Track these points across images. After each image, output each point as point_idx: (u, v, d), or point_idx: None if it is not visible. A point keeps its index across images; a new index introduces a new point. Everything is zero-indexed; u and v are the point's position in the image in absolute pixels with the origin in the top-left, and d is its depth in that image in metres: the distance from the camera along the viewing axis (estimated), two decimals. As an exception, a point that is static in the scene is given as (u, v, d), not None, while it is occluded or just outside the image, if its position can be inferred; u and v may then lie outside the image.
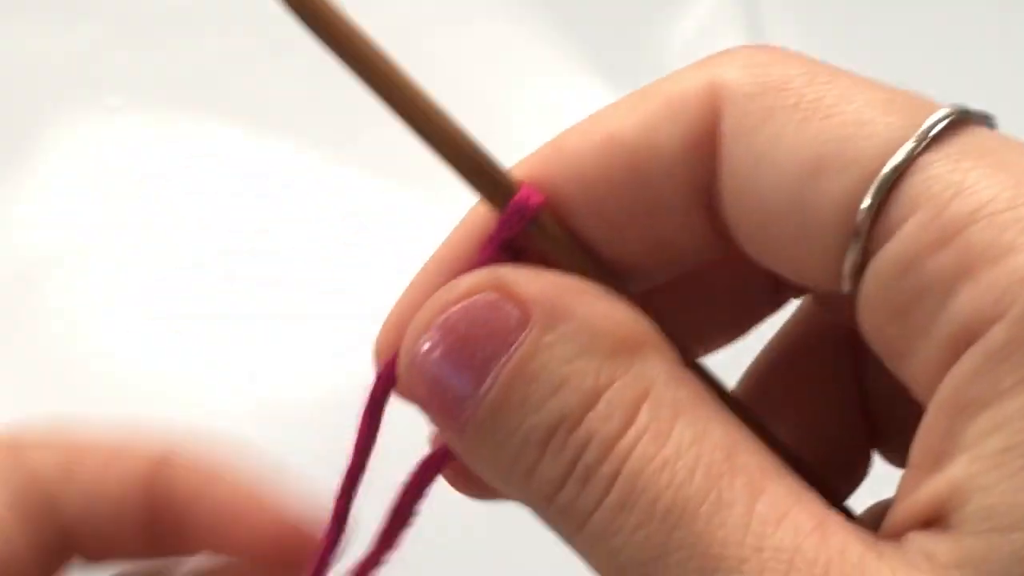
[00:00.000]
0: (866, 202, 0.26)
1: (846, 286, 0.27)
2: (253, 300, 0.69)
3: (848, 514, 0.31)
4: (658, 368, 0.28)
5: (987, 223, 0.25)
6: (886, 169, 0.26)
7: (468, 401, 0.28)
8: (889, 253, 0.26)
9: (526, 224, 0.29)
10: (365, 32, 0.29)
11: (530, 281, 0.28)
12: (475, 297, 0.28)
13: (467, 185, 0.30)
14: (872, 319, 0.27)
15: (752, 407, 0.33)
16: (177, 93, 0.75)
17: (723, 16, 0.82)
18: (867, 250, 0.26)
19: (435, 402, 0.28)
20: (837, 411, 0.33)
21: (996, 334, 0.24)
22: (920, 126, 0.26)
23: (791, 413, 0.34)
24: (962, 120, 0.27)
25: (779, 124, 0.27)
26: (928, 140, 0.26)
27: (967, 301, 0.25)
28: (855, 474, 0.34)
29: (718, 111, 0.28)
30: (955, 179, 0.26)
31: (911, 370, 0.26)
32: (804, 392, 0.34)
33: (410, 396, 0.29)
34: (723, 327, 0.34)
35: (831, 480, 0.32)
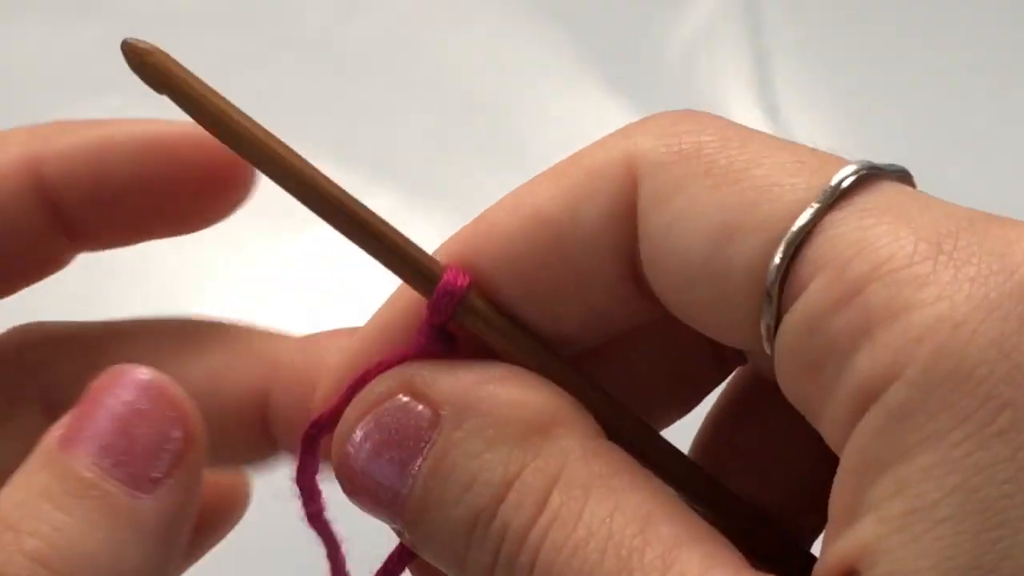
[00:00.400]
0: (773, 264, 0.26)
1: (767, 347, 0.28)
2: (253, 299, 0.69)
3: (807, 555, 0.32)
4: (570, 446, 0.28)
5: (886, 281, 0.25)
6: (792, 230, 0.26)
7: (396, 500, 0.29)
8: (797, 314, 0.26)
9: (455, 307, 0.30)
10: (281, 141, 0.30)
11: (439, 379, 0.29)
12: (388, 402, 0.29)
13: (392, 273, 0.30)
14: (786, 378, 0.27)
15: (713, 456, 0.33)
16: (177, 93, 0.75)
17: (723, 16, 0.82)
18: (780, 311, 0.27)
19: (369, 503, 0.30)
20: (800, 457, 0.33)
21: (895, 394, 0.25)
22: (827, 184, 0.26)
23: (752, 461, 0.34)
24: (871, 176, 0.27)
25: (691, 192, 0.28)
26: (834, 198, 0.26)
27: (867, 361, 0.25)
28: (823, 515, 0.34)
29: (636, 181, 0.29)
30: (857, 237, 0.26)
31: (824, 427, 0.27)
32: (765, 438, 0.34)
33: (351, 499, 0.30)
34: (671, 398, 0.34)
35: (804, 521, 0.33)
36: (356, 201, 0.30)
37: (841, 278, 0.26)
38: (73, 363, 0.35)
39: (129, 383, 0.30)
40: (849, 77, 0.81)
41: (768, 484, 0.33)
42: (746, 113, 0.77)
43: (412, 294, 0.31)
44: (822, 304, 0.26)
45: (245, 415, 0.34)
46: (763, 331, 0.27)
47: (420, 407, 0.29)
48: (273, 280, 0.71)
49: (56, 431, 0.30)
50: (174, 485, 0.30)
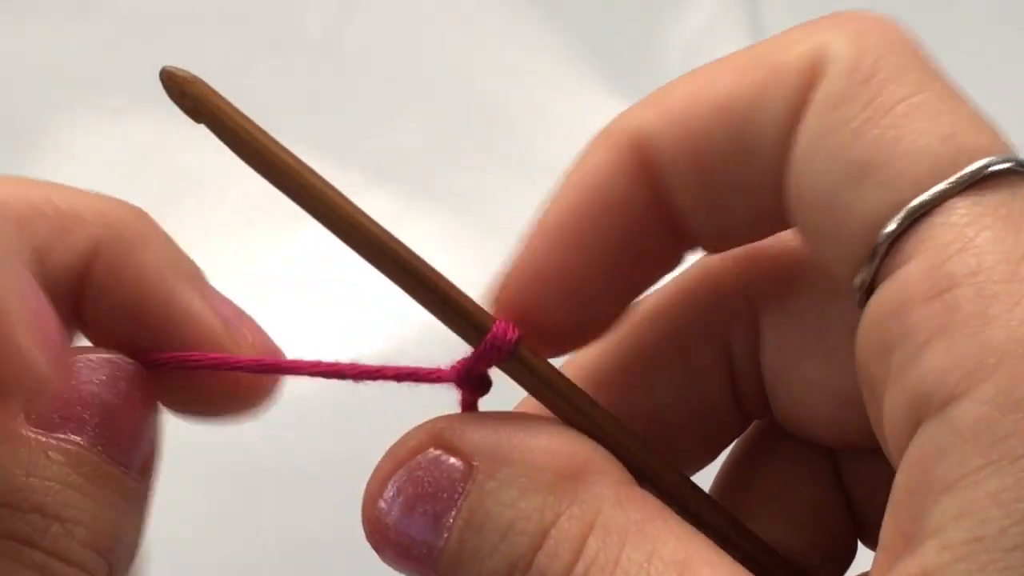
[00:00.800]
0: (888, 228, 0.26)
1: (858, 300, 0.27)
2: (254, 300, 0.69)
3: None
4: (604, 492, 0.28)
5: (980, 290, 0.25)
6: (914, 203, 0.26)
7: (431, 555, 0.29)
8: (887, 289, 0.26)
9: (503, 360, 0.30)
10: (321, 177, 0.29)
11: (470, 430, 0.29)
12: (419, 456, 0.29)
13: (441, 321, 0.30)
14: (863, 351, 0.27)
15: (733, 501, 0.33)
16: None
17: (723, 16, 0.82)
18: (878, 274, 0.27)
19: (403, 559, 0.29)
20: (819, 502, 0.33)
21: (965, 411, 0.24)
22: (966, 167, 0.26)
23: (773, 506, 0.34)
24: (1010, 172, 0.26)
25: (850, 113, 0.27)
26: (965, 186, 0.26)
27: (938, 364, 0.25)
28: (842, 561, 0.34)
29: (814, 83, 0.28)
30: (967, 234, 0.25)
31: (882, 418, 0.26)
32: (786, 486, 0.34)
33: (381, 556, 0.30)
34: (692, 449, 0.34)
35: (817, 569, 0.33)
36: (403, 245, 0.29)
37: (938, 270, 0.25)
38: None
39: (98, 367, 0.30)
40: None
41: (782, 533, 0.33)
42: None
43: (601, 159, 0.30)
44: (912, 289, 0.26)
45: (64, 295, 0.32)
46: (857, 284, 0.27)
47: (452, 460, 0.29)
48: (273, 279, 0.71)
49: (19, 410, 0.29)
50: (153, 463, 0.30)
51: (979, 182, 0.26)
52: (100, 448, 0.29)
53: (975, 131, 0.27)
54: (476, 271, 0.73)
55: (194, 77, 0.30)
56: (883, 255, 0.26)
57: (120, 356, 0.30)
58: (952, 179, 0.26)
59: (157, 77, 0.31)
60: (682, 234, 0.31)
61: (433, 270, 0.30)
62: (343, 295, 0.68)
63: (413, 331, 0.63)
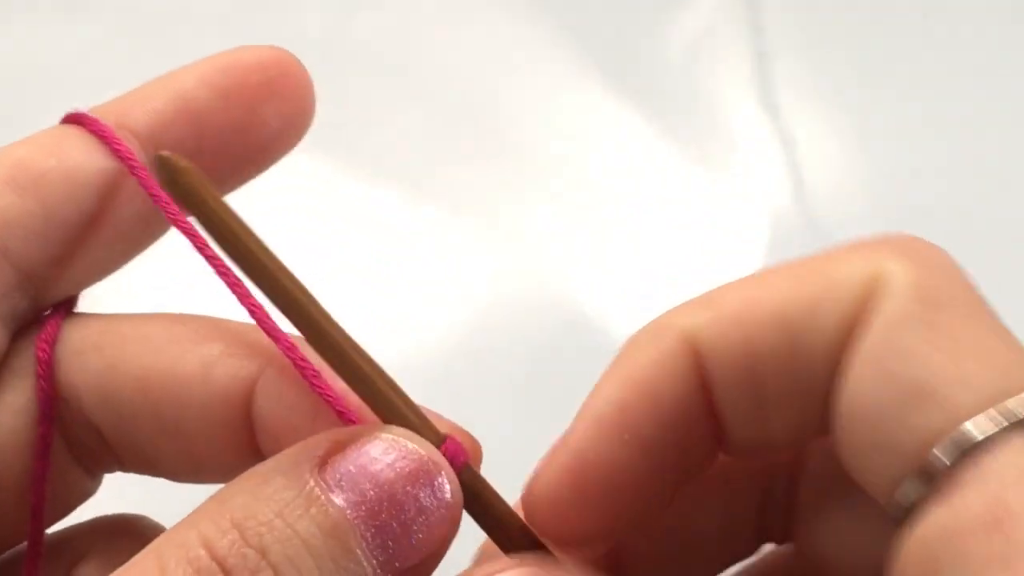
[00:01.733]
0: (947, 455, 0.27)
1: (894, 514, 0.27)
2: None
3: None
4: None
5: None
6: (978, 436, 0.26)
7: None
8: (941, 514, 0.26)
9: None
10: (299, 282, 0.30)
11: None
12: None
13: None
14: (906, 568, 0.27)
15: None
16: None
17: (723, 16, 0.82)
18: (924, 496, 0.27)
19: None
20: None
21: None
22: (1021, 406, 0.27)
23: None
24: None
25: (911, 335, 0.27)
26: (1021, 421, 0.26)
27: None
28: None
29: (874, 303, 0.28)
30: None
31: None
32: None
33: None
34: (709, 558, 0.34)
35: None
36: (367, 356, 0.30)
37: (999, 502, 0.26)
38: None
39: (418, 472, 0.29)
40: (849, 77, 0.81)
41: None
42: (746, 113, 0.77)
43: (669, 339, 0.30)
44: (971, 517, 0.26)
45: (232, 405, 0.32)
46: (899, 498, 0.27)
47: None
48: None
49: (317, 454, 0.28)
50: None
51: None
52: (363, 532, 0.28)
53: None
54: (476, 269, 0.74)
55: (188, 166, 0.29)
56: (933, 481, 0.27)
57: (429, 452, 0.29)
58: (1012, 418, 0.26)
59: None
60: (719, 440, 0.31)
61: (391, 383, 0.30)
62: (343, 298, 0.68)
63: (411, 345, 0.63)
